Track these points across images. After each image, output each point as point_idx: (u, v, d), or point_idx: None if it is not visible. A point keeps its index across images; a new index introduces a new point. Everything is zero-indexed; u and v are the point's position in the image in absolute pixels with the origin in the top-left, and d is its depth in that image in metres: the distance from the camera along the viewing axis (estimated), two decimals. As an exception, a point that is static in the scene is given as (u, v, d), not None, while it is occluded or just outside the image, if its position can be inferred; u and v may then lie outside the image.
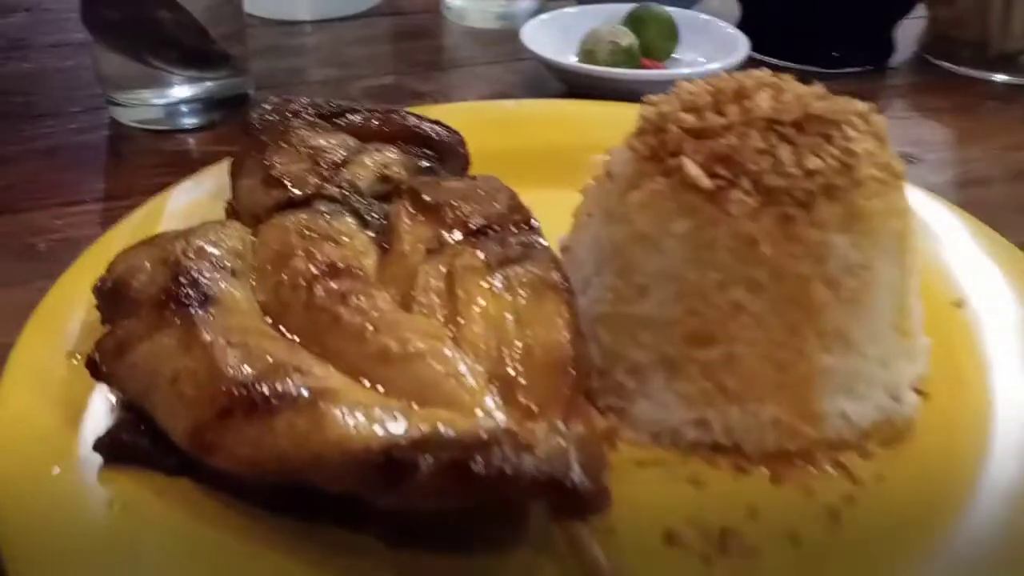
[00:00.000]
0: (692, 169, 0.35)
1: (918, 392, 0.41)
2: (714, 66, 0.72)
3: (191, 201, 0.54)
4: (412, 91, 0.80)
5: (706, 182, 0.35)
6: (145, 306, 0.38)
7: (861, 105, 0.38)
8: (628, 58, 0.74)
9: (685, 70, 0.74)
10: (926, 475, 0.37)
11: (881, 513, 0.35)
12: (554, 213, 0.47)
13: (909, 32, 0.91)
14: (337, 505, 0.33)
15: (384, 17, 1.00)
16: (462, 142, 0.56)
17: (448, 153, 0.55)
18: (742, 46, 0.76)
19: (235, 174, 0.49)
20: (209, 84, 0.72)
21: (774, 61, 0.85)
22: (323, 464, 0.31)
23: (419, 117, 0.55)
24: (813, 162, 0.34)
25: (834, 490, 0.36)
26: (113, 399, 0.38)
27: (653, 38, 0.78)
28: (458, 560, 0.33)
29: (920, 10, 0.87)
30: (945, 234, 0.51)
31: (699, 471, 0.37)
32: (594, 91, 0.70)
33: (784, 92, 0.37)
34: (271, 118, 0.51)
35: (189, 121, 0.72)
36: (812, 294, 0.35)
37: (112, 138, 0.71)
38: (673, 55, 0.81)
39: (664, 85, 0.68)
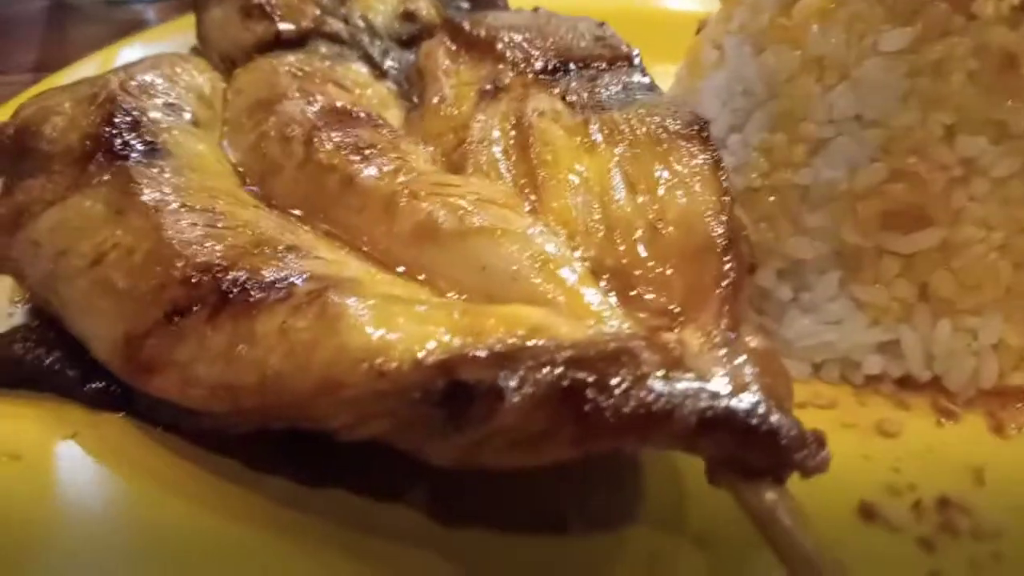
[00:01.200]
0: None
1: None
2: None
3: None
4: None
5: (940, -36, 0.22)
6: (60, 159, 0.26)
7: None
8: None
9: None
10: None
11: None
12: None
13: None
14: (357, 459, 0.21)
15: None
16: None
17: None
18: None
19: (201, 5, 0.35)
20: None
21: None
22: (340, 393, 0.19)
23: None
24: None
25: None
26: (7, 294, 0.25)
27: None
28: (543, 544, 0.21)
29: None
30: None
31: (888, 417, 0.27)
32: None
33: None
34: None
35: None
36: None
37: (52, 7, 0.58)
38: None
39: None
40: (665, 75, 0.37)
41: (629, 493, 0.23)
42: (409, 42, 0.35)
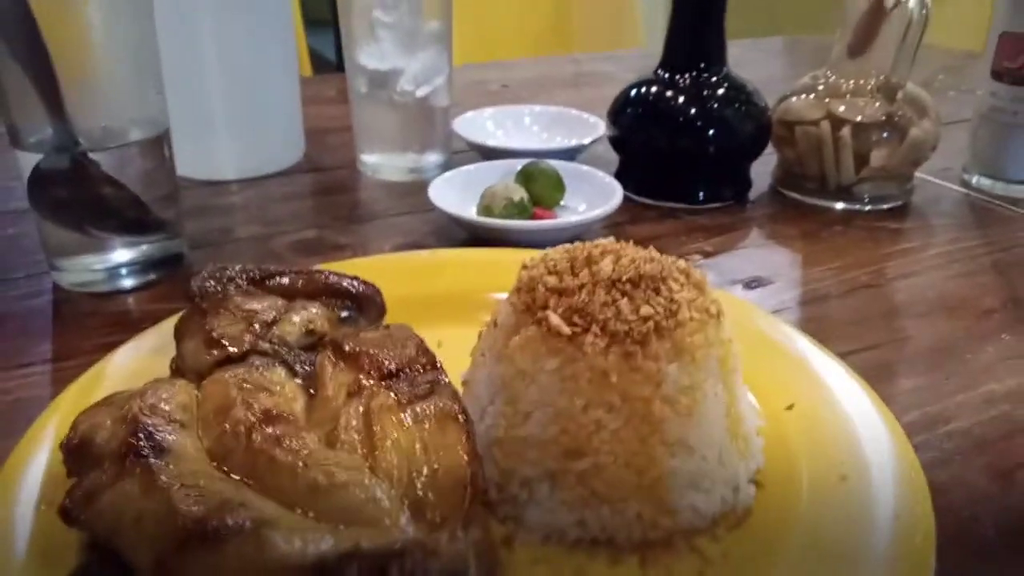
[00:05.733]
0: (555, 320, 0.45)
1: (756, 483, 0.50)
2: (596, 212, 0.84)
3: (134, 360, 0.61)
4: (333, 244, 0.89)
5: (566, 329, 0.44)
6: (108, 458, 0.45)
7: (683, 264, 0.49)
8: (520, 211, 0.85)
9: (574, 218, 0.86)
10: (763, 549, 0.46)
11: (725, 583, 0.43)
12: (461, 349, 0.57)
13: (765, 168, 1.06)
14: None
15: (305, 173, 1.11)
16: (378, 292, 0.65)
17: (366, 304, 0.64)
18: (618, 193, 0.88)
19: (179, 337, 0.56)
20: (146, 247, 0.80)
21: (648, 201, 0.98)
22: None
23: (339, 275, 0.65)
24: (646, 310, 0.44)
25: (689, 568, 0.43)
26: (83, 540, 0.44)
27: (542, 189, 0.90)
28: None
29: (771, 150, 1.02)
30: (782, 348, 0.62)
31: (582, 563, 0.43)
32: (493, 240, 0.81)
33: (623, 257, 0.48)
34: (209, 285, 0.60)
35: (128, 282, 0.79)
36: (654, 411, 0.44)
37: (56, 302, 0.76)
38: (562, 203, 0.93)
39: (551, 233, 0.80)
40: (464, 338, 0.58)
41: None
42: (311, 347, 0.57)
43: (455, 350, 0.57)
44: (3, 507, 0.46)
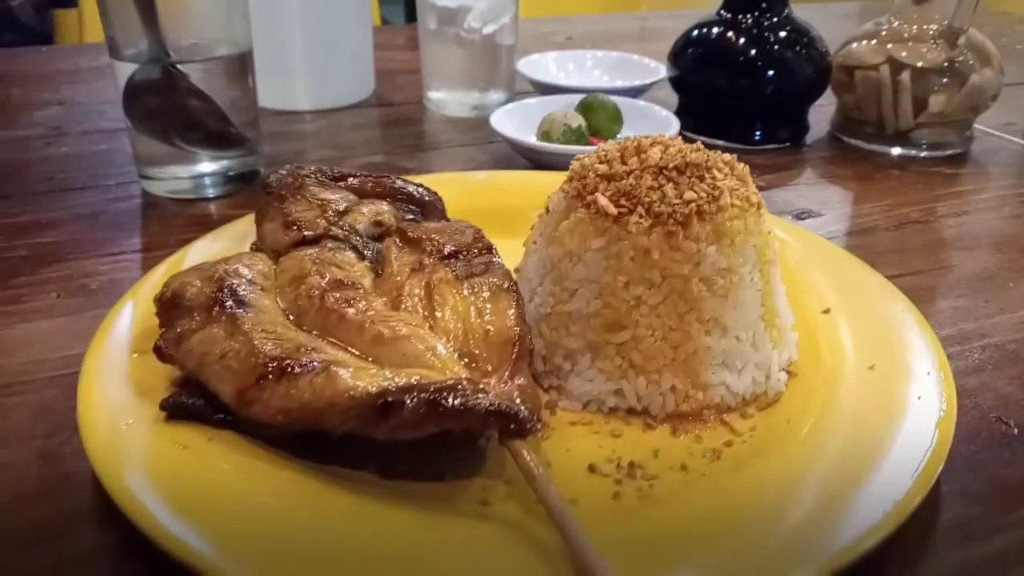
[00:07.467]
0: (603, 201, 0.48)
1: (788, 372, 0.53)
2: (650, 141, 0.87)
3: (213, 248, 0.67)
4: (399, 167, 0.94)
5: (612, 209, 0.47)
6: (197, 309, 0.50)
7: (728, 156, 0.52)
8: (578, 137, 0.88)
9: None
10: (788, 427, 0.49)
11: (751, 451, 0.45)
12: (513, 253, 0.61)
13: (825, 116, 1.06)
14: (344, 447, 0.45)
15: (374, 108, 1.16)
16: (440, 200, 0.69)
17: (429, 209, 0.68)
18: (674, 125, 0.91)
19: (259, 221, 0.62)
20: (227, 162, 0.86)
21: (706, 140, 1.00)
22: (335, 408, 0.43)
23: (406, 180, 0.69)
24: (689, 195, 0.47)
25: (718, 438, 0.46)
26: (173, 377, 0.49)
27: (600, 121, 0.93)
28: (432, 484, 0.44)
29: (830, 96, 1.03)
30: (823, 262, 0.64)
31: (617, 427, 0.47)
32: (551, 165, 0.85)
33: (670, 147, 0.51)
34: (287, 180, 0.65)
35: (210, 192, 0.85)
36: (691, 289, 0.47)
37: (144, 205, 0.83)
38: (619, 136, 0.96)
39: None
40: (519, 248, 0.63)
41: (476, 457, 0.46)
42: (379, 237, 0.61)
43: (508, 253, 0.60)
44: (103, 355, 0.52)
